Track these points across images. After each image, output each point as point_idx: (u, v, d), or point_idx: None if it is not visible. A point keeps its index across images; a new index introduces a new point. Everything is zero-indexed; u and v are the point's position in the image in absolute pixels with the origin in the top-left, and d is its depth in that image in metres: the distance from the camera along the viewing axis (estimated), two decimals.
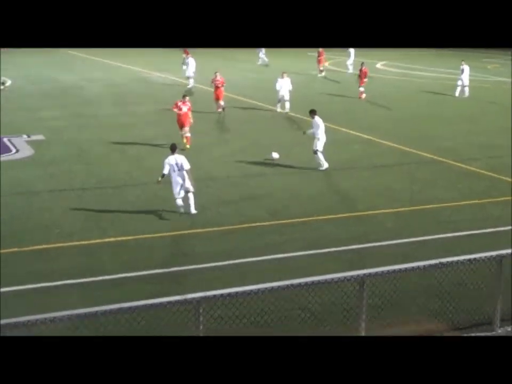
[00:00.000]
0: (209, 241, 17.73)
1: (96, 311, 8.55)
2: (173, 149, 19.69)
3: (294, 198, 21.61)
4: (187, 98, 28.56)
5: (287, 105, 36.84)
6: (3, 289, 14.43)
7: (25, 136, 30.43)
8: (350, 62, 58.01)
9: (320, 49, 55.66)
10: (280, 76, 37.48)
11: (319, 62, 56.58)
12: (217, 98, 36.65)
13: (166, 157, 19.49)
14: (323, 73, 55.49)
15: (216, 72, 37.36)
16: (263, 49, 63.76)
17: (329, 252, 16.81)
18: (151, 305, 8.94)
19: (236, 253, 16.63)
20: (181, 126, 28.08)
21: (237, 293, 9.58)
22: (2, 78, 47.89)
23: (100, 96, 43.68)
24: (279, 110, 37.17)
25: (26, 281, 14.90)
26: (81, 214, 19.75)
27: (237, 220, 19.17)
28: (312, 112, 25.42)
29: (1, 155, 26.93)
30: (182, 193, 19.36)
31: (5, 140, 29.56)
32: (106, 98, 42.56)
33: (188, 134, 27.93)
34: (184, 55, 62.38)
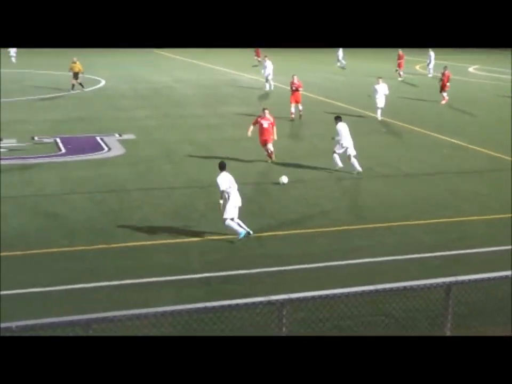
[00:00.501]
0: (294, 243, 17.74)
1: (181, 310, 8.64)
2: (223, 167, 18.27)
3: (381, 202, 21.42)
4: (267, 112, 26.18)
5: (379, 111, 35.74)
6: (92, 285, 14.82)
7: (117, 135, 31.10)
8: (431, 65, 56.88)
9: (400, 52, 54.81)
10: (376, 82, 36.16)
11: (399, 65, 55.61)
12: (295, 102, 35.62)
13: (217, 175, 18.13)
14: (402, 77, 54.28)
15: (293, 75, 36.65)
16: (341, 52, 63.22)
17: (415, 257, 16.59)
18: (236, 305, 8.99)
19: (321, 256, 16.59)
20: (264, 143, 26.08)
21: (320, 296, 9.53)
22: (95, 78, 49.05)
23: (189, 96, 44.23)
24: (380, 118, 35.74)
25: (113, 277, 15.24)
26: (169, 212, 20.07)
27: (323, 222, 19.12)
28: (337, 119, 25.44)
29: (94, 153, 27.61)
30: (234, 214, 17.83)
31: (98, 138, 30.28)
32: (195, 99, 43.07)
33: (272, 149, 25.96)
34: (256, 57, 62.57)
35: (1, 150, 27.86)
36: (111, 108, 39.41)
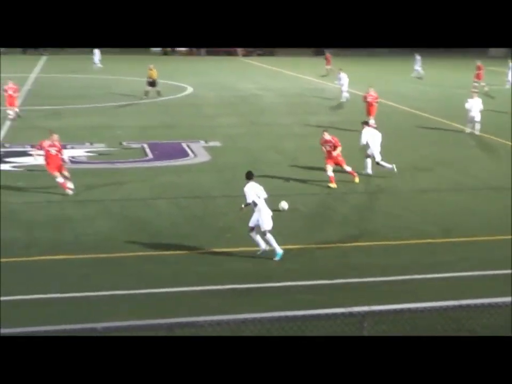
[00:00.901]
0: (377, 254, 17.59)
1: (261, 318, 8.66)
2: (250, 177, 17.73)
3: (467, 215, 21.04)
4: (326, 133, 24.53)
5: (477, 126, 34.35)
6: (175, 289, 15.03)
7: (202, 142, 31.46)
8: (509, 76, 54.76)
9: (479, 63, 53.44)
10: (470, 96, 35.03)
11: (477, 77, 53.56)
12: (369, 114, 34.53)
13: (245, 185, 17.59)
14: (486, 88, 51.81)
15: (369, 87, 35.85)
16: (419, 61, 62.10)
17: (501, 273, 16.21)
18: (317, 315, 8.96)
19: (404, 268, 16.39)
20: (335, 164, 24.33)
21: (402, 309, 9.41)
22: (182, 85, 49.71)
23: (274, 105, 44.36)
24: (468, 130, 34.72)
25: (195, 282, 15.42)
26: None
27: (406, 234, 18.90)
28: (364, 123, 26.67)
29: (180, 159, 28.01)
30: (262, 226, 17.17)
31: (184, 145, 30.70)
32: (281, 108, 43.19)
33: (349, 169, 24.40)
34: (326, 66, 61.95)
35: (91, 154, 28.59)
36: (198, 114, 39.90)
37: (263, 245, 17.19)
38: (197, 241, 18.11)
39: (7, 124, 35.05)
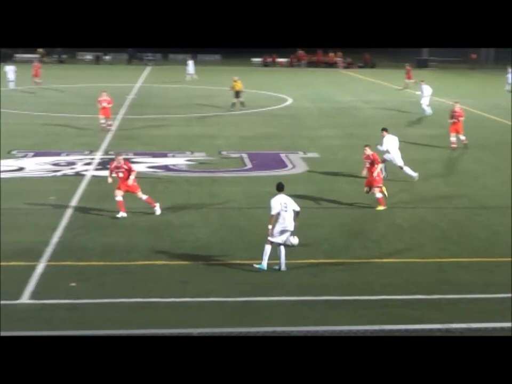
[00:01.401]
0: (476, 270, 17.19)
1: (357, 330, 8.64)
2: (280, 189, 17.31)
3: None
4: (368, 148, 23.29)
5: None
6: (269, 299, 15.10)
7: (301, 152, 31.52)
8: None
9: None
10: None
11: None
12: (456, 132, 33.00)
13: (273, 196, 17.29)
14: None
15: (455, 103, 34.23)
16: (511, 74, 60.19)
17: None
18: (414, 330, 8.87)
19: (504, 286, 15.95)
20: (368, 185, 22.93)
21: (502, 328, 9.21)
22: (283, 96, 49.90)
23: (374, 117, 43.98)
24: None
25: (291, 292, 15.45)
26: (349, 231, 20.09)
27: (507, 251, 18.40)
28: (384, 130, 27.08)
29: (279, 170, 28.13)
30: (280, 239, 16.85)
31: (283, 155, 30.82)
32: (381, 120, 42.74)
33: (378, 195, 22.47)
34: (406, 80, 60.59)
35: (191, 163, 29.06)
36: (297, 126, 40.01)
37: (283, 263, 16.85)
38: (293, 251, 18.11)
39: (112, 132, 36.01)
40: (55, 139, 33.88)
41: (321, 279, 16.41)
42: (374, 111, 47.20)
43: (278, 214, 16.90)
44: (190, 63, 68.46)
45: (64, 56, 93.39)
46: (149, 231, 19.77)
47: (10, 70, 54.38)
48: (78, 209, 21.78)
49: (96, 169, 27.40)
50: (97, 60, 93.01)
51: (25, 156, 29.58)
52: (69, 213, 21.25)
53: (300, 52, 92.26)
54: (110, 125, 36.02)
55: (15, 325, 12.87)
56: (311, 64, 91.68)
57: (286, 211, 16.97)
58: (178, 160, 29.51)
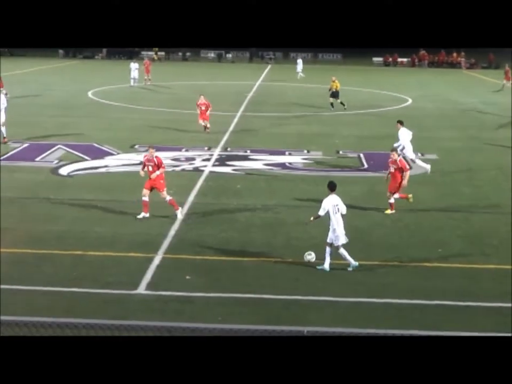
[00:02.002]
0: None
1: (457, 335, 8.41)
2: (332, 188, 17.15)
3: None
4: (394, 154, 22.36)
5: None
6: (382, 300, 14.92)
7: (419, 154, 30.91)
8: None
9: None
10: None
11: None
12: None
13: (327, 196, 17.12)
14: None
15: None
16: None
17: None
18: None
19: None
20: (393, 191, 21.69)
21: None
22: (402, 96, 49.13)
23: (498, 120, 42.68)
24: None
25: (403, 295, 15.24)
26: (466, 236, 19.60)
27: None
28: (399, 123, 27.49)
29: None
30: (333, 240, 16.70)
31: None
32: (503, 123, 41.52)
33: (390, 200, 21.66)
34: (505, 81, 57.61)
35: (308, 161, 29.05)
36: (416, 126, 39.20)
37: (352, 261, 16.64)
38: (408, 253, 17.86)
39: (230, 128, 36.45)
40: (175, 135, 34.58)
41: (434, 282, 16.08)
42: (497, 113, 45.77)
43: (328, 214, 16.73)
44: (299, 61, 68.46)
45: (188, 54, 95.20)
46: (264, 228, 19.90)
47: (134, 67, 55.74)
48: (195, 203, 22.17)
49: (214, 165, 27.80)
50: (219, 58, 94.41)
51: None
52: (186, 207, 21.64)
53: (422, 52, 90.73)
54: (208, 128, 35.59)
55: (131, 315, 13.21)
56: (433, 64, 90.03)
57: (337, 212, 16.79)
58: (295, 159, 29.57)
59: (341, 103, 44.61)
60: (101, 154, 29.39)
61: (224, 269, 16.71)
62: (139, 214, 20.43)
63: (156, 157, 20.98)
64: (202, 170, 26.85)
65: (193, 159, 28.90)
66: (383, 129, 37.93)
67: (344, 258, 16.70)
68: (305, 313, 14.22)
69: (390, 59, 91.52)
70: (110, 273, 16.13)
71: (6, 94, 33.48)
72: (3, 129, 30.91)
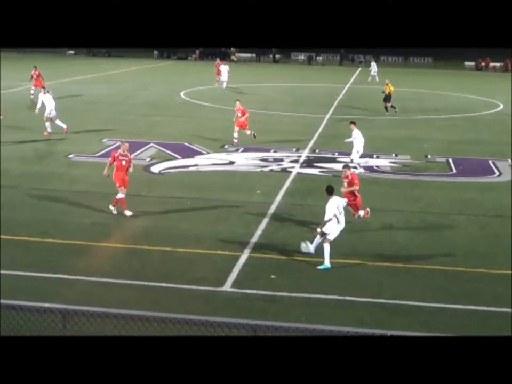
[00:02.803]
0: None
1: None
2: (331, 192, 17.29)
3: None
4: (347, 170, 20.10)
5: None
6: (465, 307, 14.66)
7: (509, 160, 30.22)
8: None
9: None
10: None
11: None
12: None
13: (327, 201, 17.11)
14: None
15: None
16: None
17: None
18: None
19: None
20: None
21: None
22: (494, 101, 47.92)
23: None
24: None
25: (486, 303, 14.96)
26: None
27: None
28: (352, 123, 27.63)
29: (484, 177, 27.19)
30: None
31: (490, 162, 29.75)
32: None
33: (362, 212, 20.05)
34: None
35: (395, 165, 28.77)
36: (507, 132, 38.38)
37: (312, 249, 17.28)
38: (495, 260, 17.48)
39: (319, 131, 36.41)
40: (264, 136, 34.70)
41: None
42: None
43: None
44: (373, 64, 67.65)
45: (278, 56, 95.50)
46: (349, 230, 19.77)
47: (224, 69, 56.05)
48: (282, 204, 22.24)
49: (302, 167, 27.83)
50: (309, 61, 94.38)
51: (236, 151, 30.62)
52: (273, 207, 21.75)
53: None
54: (252, 134, 32.87)
55: (217, 312, 13.34)
56: None
57: (341, 213, 17.22)
58: (383, 162, 29.32)
59: (392, 106, 43.84)
60: (192, 153, 29.80)
61: (307, 269, 16.72)
62: (228, 212, 20.68)
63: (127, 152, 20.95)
64: (290, 172, 26.91)
65: (281, 160, 28.99)
66: (473, 134, 37.29)
67: (324, 254, 16.65)
68: (389, 317, 14.10)
69: (483, 63, 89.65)
70: (197, 270, 16.36)
71: (49, 92, 34.65)
72: (53, 124, 32.66)
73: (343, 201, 17.75)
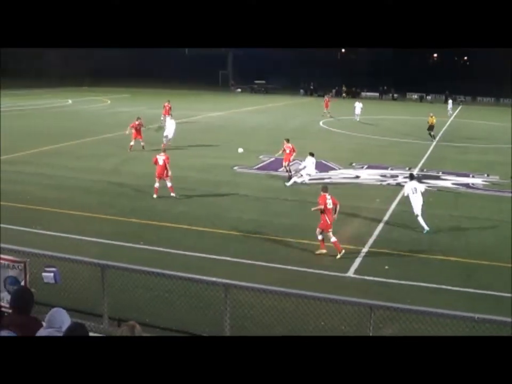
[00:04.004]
0: None
1: None
2: (411, 178, 20.06)
3: None
4: (325, 194, 17.11)
5: None
6: None
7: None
8: None
9: None
10: None
11: None
12: None
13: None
14: None
15: None
16: None
17: None
18: None
19: None
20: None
21: None
22: None
23: None
24: None
25: None
26: None
27: None
28: (310, 154, 25.46)
29: None
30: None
31: None
32: None
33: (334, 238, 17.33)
34: None
35: (486, 183, 27.46)
36: None
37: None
38: None
39: (427, 154, 35.32)
40: (383, 156, 34.11)
41: None
42: None
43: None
44: (450, 101, 65.56)
45: (396, 95, 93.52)
46: (448, 233, 19.09)
47: (358, 106, 54.80)
48: (396, 210, 21.73)
49: None
50: (420, 99, 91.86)
51: (361, 168, 30.20)
52: (389, 213, 21.29)
53: None
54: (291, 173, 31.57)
55: (341, 291, 13.20)
56: None
57: (416, 192, 19.07)
58: (477, 180, 27.99)
59: (432, 135, 41.54)
60: (327, 168, 29.65)
61: (414, 262, 16.24)
62: (353, 215, 20.47)
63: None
64: (403, 186, 26.14)
65: (396, 176, 28.29)
66: None
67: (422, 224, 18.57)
68: (477, 305, 13.42)
69: None
70: (328, 259, 16.24)
71: (171, 117, 37.44)
72: (165, 139, 34.09)
73: (417, 184, 19.55)
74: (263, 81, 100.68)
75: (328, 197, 16.57)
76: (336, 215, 16.64)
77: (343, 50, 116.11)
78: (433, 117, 42.26)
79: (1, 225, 17.18)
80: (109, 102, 68.10)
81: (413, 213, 18.97)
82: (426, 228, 18.59)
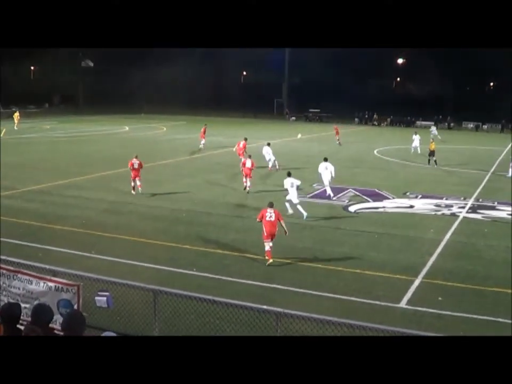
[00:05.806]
0: None
1: None
2: (289, 175, 23.30)
3: None
4: (271, 209, 17.99)
5: None
6: None
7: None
8: None
9: None
10: None
11: None
12: None
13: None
14: None
15: None
16: None
17: None
18: None
19: None
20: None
21: None
22: None
23: None
24: None
25: None
26: None
27: None
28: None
29: None
30: None
31: None
32: None
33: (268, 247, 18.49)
34: None
35: None
36: None
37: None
38: None
39: (482, 184, 34.42)
40: (438, 185, 33.43)
41: None
42: None
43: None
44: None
45: (452, 124, 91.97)
46: (505, 264, 18.41)
47: (416, 138, 52.22)
48: (450, 241, 21.18)
49: (468, 212, 26.34)
50: (476, 128, 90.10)
51: (415, 197, 29.65)
52: (443, 244, 20.76)
53: None
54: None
55: (392, 323, 12.89)
56: None
57: (293, 186, 22.69)
58: None
59: (434, 161, 41.88)
60: (381, 197, 29.25)
61: (468, 294, 15.74)
62: (407, 245, 20.08)
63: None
64: (458, 216, 25.55)
65: (451, 206, 27.63)
66: None
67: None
68: None
69: None
70: (380, 289, 15.92)
71: (268, 144, 39.03)
72: (270, 163, 37.48)
73: (294, 180, 23.37)
74: (318, 110, 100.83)
75: (269, 210, 17.81)
76: (285, 229, 18.06)
77: (398, 79, 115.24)
78: (433, 143, 43.08)
79: (58, 248, 17.62)
80: (165, 129, 69.52)
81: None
82: (305, 214, 22.24)
